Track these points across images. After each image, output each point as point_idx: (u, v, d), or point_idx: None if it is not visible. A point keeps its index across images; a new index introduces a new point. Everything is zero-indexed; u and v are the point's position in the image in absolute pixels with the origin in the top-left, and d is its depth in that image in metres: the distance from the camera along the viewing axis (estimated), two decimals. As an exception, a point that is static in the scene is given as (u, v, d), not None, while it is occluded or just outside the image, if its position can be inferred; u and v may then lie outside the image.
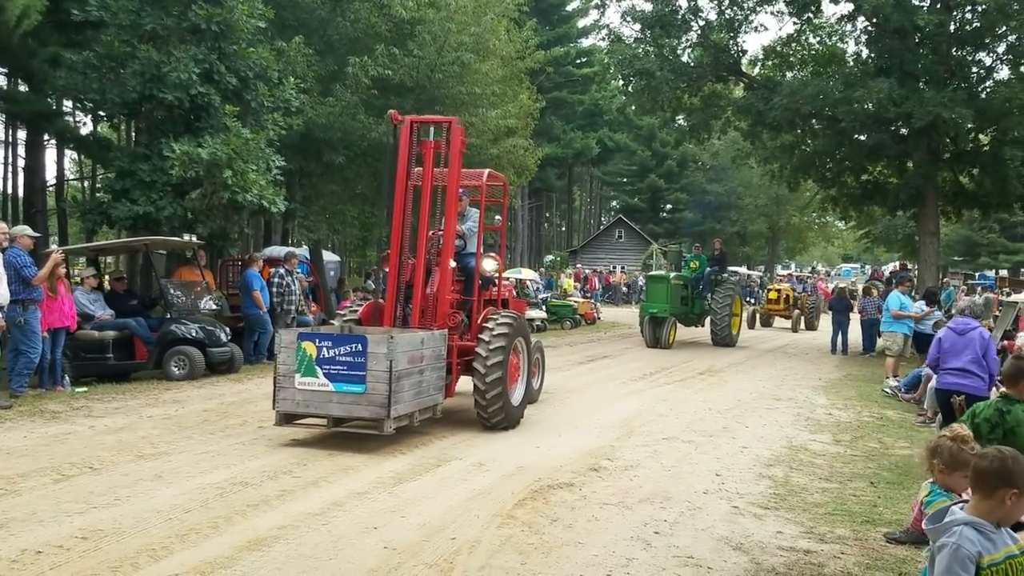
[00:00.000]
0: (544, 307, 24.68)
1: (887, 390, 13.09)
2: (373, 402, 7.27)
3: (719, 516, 5.95)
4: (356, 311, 8.95)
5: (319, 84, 17.89)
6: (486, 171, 9.54)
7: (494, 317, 8.76)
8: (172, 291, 12.35)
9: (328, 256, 26.73)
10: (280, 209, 14.81)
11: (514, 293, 11.10)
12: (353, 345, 7.33)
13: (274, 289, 13.80)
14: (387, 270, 8.77)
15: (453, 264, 8.86)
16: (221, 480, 6.30)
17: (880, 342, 16.25)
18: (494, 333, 8.45)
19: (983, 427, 4.73)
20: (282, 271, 14.09)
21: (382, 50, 18.01)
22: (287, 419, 7.61)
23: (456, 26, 19.45)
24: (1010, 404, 4.66)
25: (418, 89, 19.42)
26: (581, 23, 51.88)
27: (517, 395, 9.04)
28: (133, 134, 20.28)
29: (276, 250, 18.06)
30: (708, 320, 20.61)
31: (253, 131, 14.12)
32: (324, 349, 7.37)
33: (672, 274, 20.11)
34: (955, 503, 2.88)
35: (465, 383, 9.17)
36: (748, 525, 5.76)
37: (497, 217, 11.12)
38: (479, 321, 8.89)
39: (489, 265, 9.31)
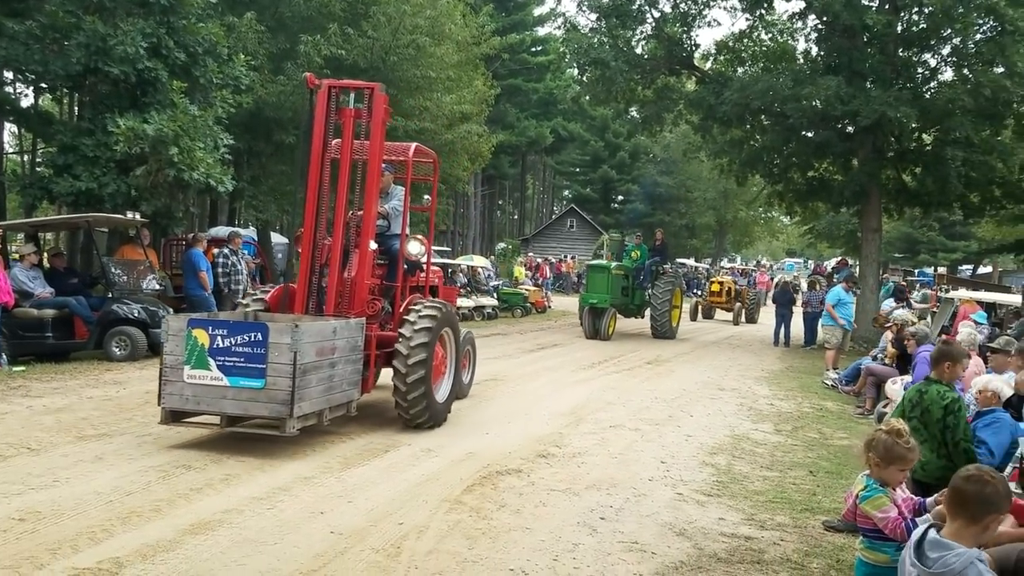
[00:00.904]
0: (495, 295, 24.70)
1: (827, 382, 13.44)
2: (274, 399, 6.45)
3: (663, 503, 6.05)
4: (264, 295, 8.11)
5: (270, 62, 17.58)
6: (413, 145, 8.72)
7: (418, 306, 8.01)
8: (114, 270, 12.05)
9: (276, 238, 26.35)
10: (227, 188, 14.53)
11: (443, 279, 10.41)
12: (252, 334, 6.49)
13: (219, 270, 13.56)
14: (299, 251, 7.96)
15: (374, 246, 8.07)
16: (164, 463, 6.19)
17: (820, 335, 16.66)
18: (417, 326, 7.69)
19: (906, 407, 4.91)
20: (227, 251, 13.84)
21: (335, 29, 17.76)
22: (174, 417, 6.71)
23: (411, 8, 19.30)
24: (929, 385, 4.84)
25: (372, 71, 19.21)
26: (537, 11, 51.73)
27: (443, 391, 8.34)
28: (76, 108, 19.65)
29: (221, 230, 17.74)
30: (648, 312, 20.20)
31: (201, 108, 13.82)
32: (218, 338, 6.51)
33: (613, 264, 19.75)
34: (929, 526, 2.78)
35: (388, 376, 8.55)
36: (691, 512, 5.88)
37: (426, 197, 10.47)
38: (401, 310, 8.15)
39: (415, 248, 8.46)
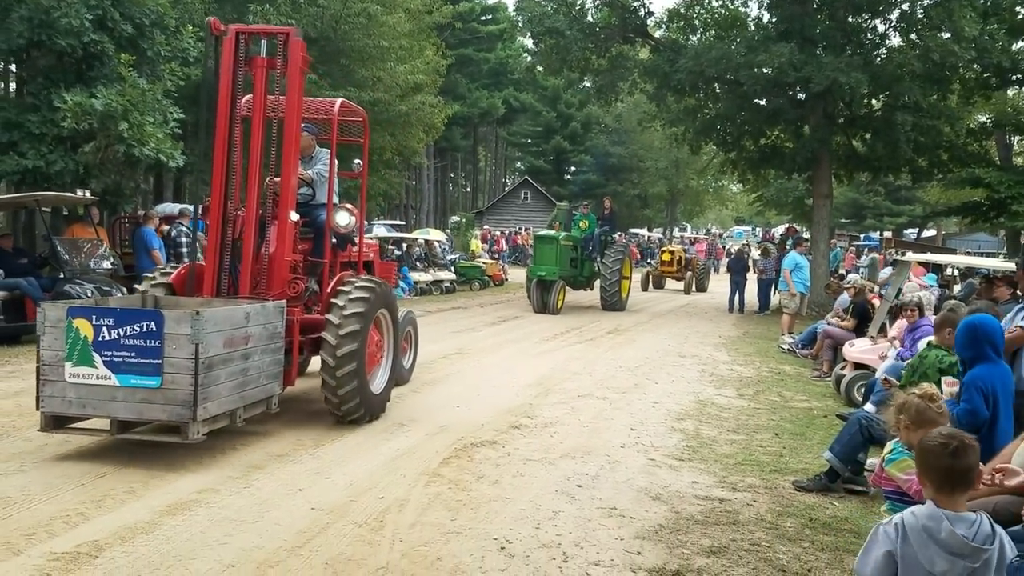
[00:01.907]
0: (453, 269, 24.64)
1: (783, 346, 13.74)
2: (172, 400, 5.45)
3: (637, 468, 6.15)
4: (167, 276, 7.04)
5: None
6: (338, 100, 7.73)
7: (347, 285, 7.05)
8: (63, 250, 11.69)
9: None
10: (178, 163, 14.19)
11: (379, 253, 9.45)
12: (144, 324, 5.47)
13: (183, 249, 13.22)
14: (208, 224, 6.92)
15: (296, 217, 7.05)
16: (135, 443, 6.07)
17: (779, 299, 16.98)
18: (347, 310, 6.76)
19: (907, 370, 5.06)
20: (184, 228, 13.52)
21: (284, -1, 17.38)
22: (56, 423, 5.70)
23: (362, -24, 18.95)
24: (929, 350, 5.00)
25: (322, 40, 18.91)
26: (486, -20, 51.32)
27: (379, 381, 7.47)
28: (20, 83, 18.90)
29: (169, 207, 17.31)
30: (598, 283, 19.63)
31: (150, 81, 13.42)
32: (104, 329, 5.49)
33: (561, 234, 18.94)
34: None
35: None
36: (665, 476, 5.98)
37: (357, 161, 9.32)
38: (329, 290, 7.23)
39: (343, 219, 7.44)
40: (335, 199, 7.69)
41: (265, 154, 6.89)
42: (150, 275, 7.17)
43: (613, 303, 18.95)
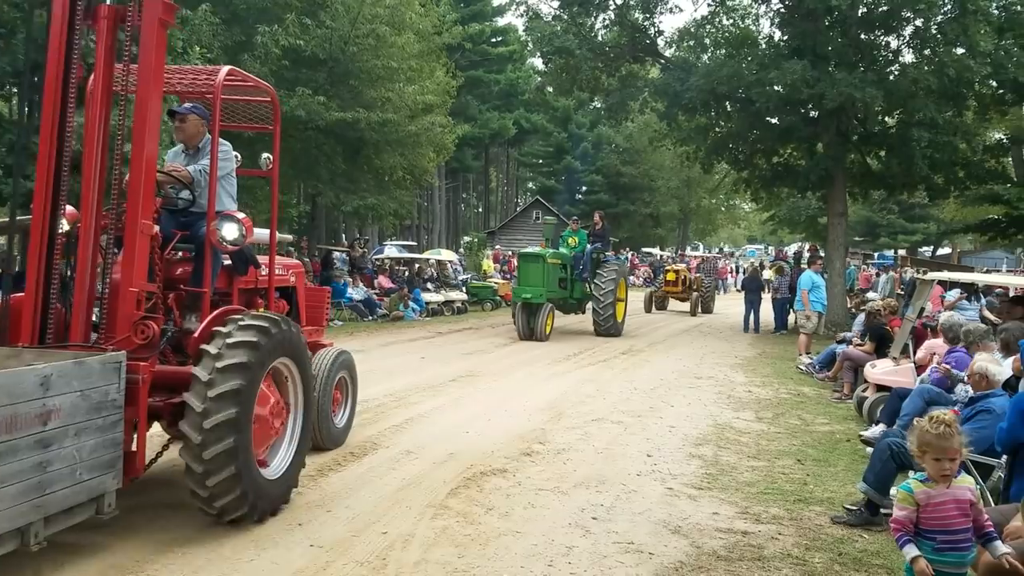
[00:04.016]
0: (464, 289, 24.44)
1: (801, 367, 13.41)
2: None
3: (655, 499, 5.86)
4: None
5: (226, 54, 17.07)
6: (224, 68, 5.52)
7: (229, 325, 4.85)
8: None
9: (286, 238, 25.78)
10: (187, 186, 14.05)
11: (304, 275, 7.34)
12: None
13: None
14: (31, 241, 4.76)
15: (156, 229, 5.07)
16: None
17: (796, 319, 16.62)
18: (221, 362, 4.60)
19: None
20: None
21: (292, 20, 17.30)
22: None
23: (371, -3, 18.92)
24: None
25: (331, 61, 18.85)
26: (496, 1, 51.46)
27: (278, 461, 5.31)
28: (26, 106, 18.93)
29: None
30: (590, 306, 17.86)
31: (156, 103, 13.30)
32: None
33: (548, 252, 17.18)
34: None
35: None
36: (684, 507, 5.69)
37: (266, 156, 6.45)
38: (198, 333, 5.04)
39: (229, 232, 5.24)
40: (229, 204, 5.66)
41: (111, 141, 5.01)
42: None
43: (607, 328, 17.20)
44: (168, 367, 4.97)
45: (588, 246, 18.01)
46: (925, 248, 52.24)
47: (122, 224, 4.87)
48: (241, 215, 5.40)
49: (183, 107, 5.72)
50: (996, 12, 17.48)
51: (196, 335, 5.01)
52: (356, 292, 19.57)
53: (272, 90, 6.15)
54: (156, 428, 5.53)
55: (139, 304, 4.76)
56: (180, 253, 5.58)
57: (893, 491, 5.77)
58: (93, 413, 4.11)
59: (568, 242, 18.28)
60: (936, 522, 3.38)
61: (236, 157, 5.98)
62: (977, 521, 3.37)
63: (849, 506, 5.61)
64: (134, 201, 4.82)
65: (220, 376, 4.59)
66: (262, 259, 6.16)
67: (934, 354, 8.25)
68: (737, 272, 41.20)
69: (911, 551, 3.41)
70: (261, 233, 6.42)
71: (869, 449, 6.35)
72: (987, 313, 12.13)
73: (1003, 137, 22.82)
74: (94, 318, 4.85)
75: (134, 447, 4.56)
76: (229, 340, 4.72)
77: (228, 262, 5.70)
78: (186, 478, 4.68)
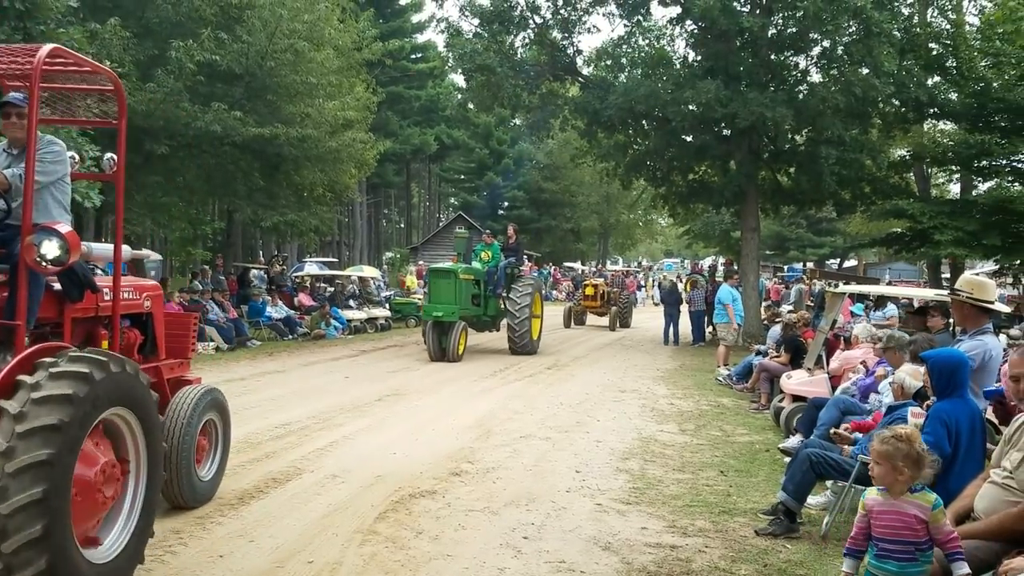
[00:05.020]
0: (387, 305, 24.19)
1: (720, 379, 13.73)
2: None
3: (584, 515, 5.88)
4: None
5: (137, 69, 16.53)
6: (47, 47, 4.29)
7: (39, 371, 3.80)
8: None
9: (150, 255, 24.93)
10: (95, 204, 13.53)
11: (163, 299, 6.10)
12: None
13: None
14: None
15: None
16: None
17: (719, 331, 16.97)
18: (24, 425, 3.58)
19: None
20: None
21: (208, 35, 16.89)
22: None
23: (288, 12, 18.62)
24: None
25: (248, 76, 18.45)
26: (415, 18, 51.42)
27: (111, 541, 4.23)
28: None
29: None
30: (504, 323, 17.16)
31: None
32: None
33: (460, 267, 16.41)
34: None
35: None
36: (613, 523, 5.73)
37: (109, 155, 5.29)
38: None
39: (50, 249, 4.19)
40: (60, 216, 4.59)
41: None
42: None
43: (523, 345, 16.50)
44: None
45: (502, 260, 17.38)
46: (832, 261, 54.34)
47: None
48: (65, 228, 4.31)
49: (13, 96, 4.59)
50: (898, 34, 18.34)
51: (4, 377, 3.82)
52: (275, 311, 19.12)
53: (115, 76, 4.98)
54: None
55: None
56: None
57: (811, 500, 5.96)
58: None
59: (481, 256, 17.53)
60: (879, 530, 3.52)
61: (74, 158, 5.19)
62: (936, 538, 3.43)
63: (766, 514, 5.74)
64: None
65: (22, 444, 3.53)
66: (103, 281, 5.04)
67: (863, 362, 8.55)
68: (639, 288, 41.57)
69: (845, 564, 3.67)
70: (104, 249, 5.39)
71: (787, 459, 6.52)
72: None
73: (906, 154, 23.95)
74: None
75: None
76: (36, 394, 3.65)
77: (58, 286, 4.59)
78: None
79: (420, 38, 52.04)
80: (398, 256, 43.04)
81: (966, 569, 3.32)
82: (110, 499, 4.13)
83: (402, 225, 74.66)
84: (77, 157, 5.17)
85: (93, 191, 13.05)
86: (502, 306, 17.24)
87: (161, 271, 25.59)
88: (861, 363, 8.54)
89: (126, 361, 4.24)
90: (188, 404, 5.62)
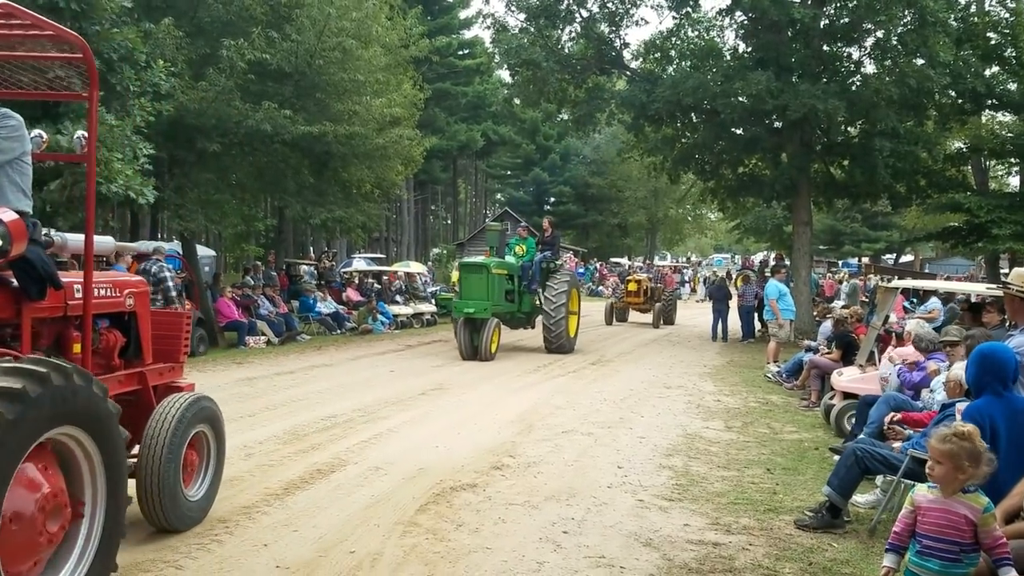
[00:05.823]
0: (434, 301, 24.33)
1: (769, 376, 13.51)
2: None
3: (625, 511, 5.84)
4: None
5: (190, 68, 16.88)
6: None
7: None
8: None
9: (203, 251, 25.48)
10: (149, 200, 13.81)
11: (163, 295, 5.56)
12: None
13: (168, 284, 13.17)
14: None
15: None
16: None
17: (770, 328, 16.66)
18: None
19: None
20: (160, 264, 13.47)
21: (258, 33, 17.16)
22: None
23: (337, 11, 18.82)
24: None
25: (297, 75, 18.69)
26: (462, 14, 51.59)
27: None
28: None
29: (144, 244, 16.99)
30: (540, 320, 16.47)
31: (118, 117, 13.10)
32: None
33: (493, 261, 15.79)
34: None
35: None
36: (655, 519, 5.67)
37: (80, 134, 4.95)
38: None
39: None
40: (16, 201, 4.04)
41: None
42: None
43: (559, 344, 15.76)
44: None
45: (537, 255, 16.79)
46: (889, 256, 53.07)
47: None
48: (10, 216, 3.69)
49: None
50: (955, 24, 17.86)
51: None
52: (325, 306, 19.38)
53: (83, 41, 4.22)
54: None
55: None
56: None
57: (859, 498, 5.83)
58: None
59: (515, 251, 16.92)
60: (925, 527, 3.44)
61: (41, 135, 4.82)
62: (984, 542, 3.34)
63: (809, 510, 5.64)
64: None
65: None
66: (69, 277, 4.49)
67: (895, 357, 8.34)
68: (683, 284, 41.01)
69: (887, 559, 3.56)
70: (75, 239, 4.72)
71: (836, 458, 6.39)
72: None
73: (963, 146, 23.28)
74: None
75: None
76: None
77: (16, 283, 3.96)
78: None
79: (467, 34, 52.22)
80: (445, 252, 43.23)
81: (1014, 574, 3.22)
82: (56, 535, 3.46)
83: (449, 221, 75.04)
84: (44, 136, 4.75)
85: (148, 187, 13.34)
86: (537, 302, 16.64)
87: (215, 266, 26.17)
88: (901, 357, 8.32)
89: (75, 370, 3.53)
90: (174, 415, 4.88)
